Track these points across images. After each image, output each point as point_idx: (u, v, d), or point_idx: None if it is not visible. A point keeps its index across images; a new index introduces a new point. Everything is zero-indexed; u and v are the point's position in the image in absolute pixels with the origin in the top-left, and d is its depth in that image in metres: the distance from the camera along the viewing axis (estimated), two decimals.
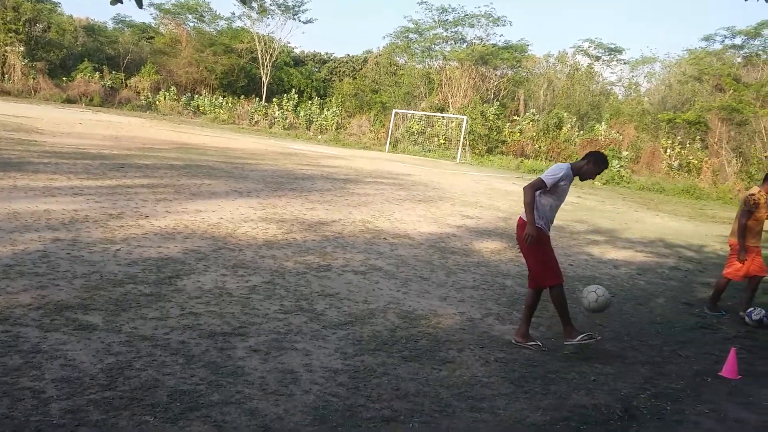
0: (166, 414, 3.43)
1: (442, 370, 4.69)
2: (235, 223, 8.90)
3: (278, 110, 40.73)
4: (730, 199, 23.43)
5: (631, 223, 14.27)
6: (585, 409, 4.33)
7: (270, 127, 39.22)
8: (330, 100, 42.59)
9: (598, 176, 20.44)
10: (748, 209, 6.98)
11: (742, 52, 34.99)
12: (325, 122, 38.80)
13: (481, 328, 5.84)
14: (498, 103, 36.02)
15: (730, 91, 28.35)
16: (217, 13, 49.44)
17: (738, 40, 34.86)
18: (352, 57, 53.96)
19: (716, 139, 26.87)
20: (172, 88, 43.92)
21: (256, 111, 41.10)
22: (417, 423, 3.78)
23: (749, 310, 6.99)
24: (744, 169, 24.92)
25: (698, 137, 28.15)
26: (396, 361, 4.72)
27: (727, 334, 6.54)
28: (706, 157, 27.03)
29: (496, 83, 39.05)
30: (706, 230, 14.78)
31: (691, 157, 27.44)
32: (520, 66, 40.61)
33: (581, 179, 5.51)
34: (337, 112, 39.33)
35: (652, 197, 22.35)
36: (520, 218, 5.52)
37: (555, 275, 5.44)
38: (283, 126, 39.41)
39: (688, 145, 28.00)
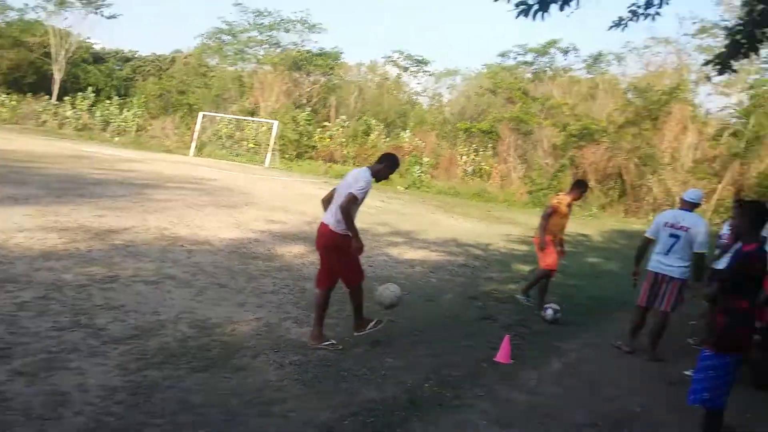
0: None
1: (233, 379, 4.61)
2: (7, 233, 7.96)
3: (71, 110, 37.36)
4: (514, 201, 25.82)
5: (428, 225, 15.12)
6: (373, 403, 4.51)
7: (60, 128, 35.86)
8: (131, 101, 39.95)
9: (401, 181, 21.13)
10: (551, 209, 7.83)
11: (531, 68, 38.80)
12: (124, 123, 36.29)
13: (278, 332, 5.84)
14: (309, 108, 36.32)
15: (519, 104, 31.27)
16: (7, 2, 43.96)
17: (529, 57, 38.66)
18: (159, 56, 50.99)
19: (505, 147, 29.42)
20: None
21: (44, 110, 37.32)
22: None
23: (545, 308, 7.64)
24: (527, 175, 27.58)
25: (490, 145, 30.62)
26: (183, 373, 4.55)
27: (505, 324, 7.17)
28: (495, 164, 29.51)
29: (308, 89, 39.29)
30: (493, 230, 16.13)
31: (483, 164, 29.77)
32: (332, 73, 41.24)
33: (377, 180, 5.73)
34: (139, 113, 37.01)
35: (449, 200, 23.91)
36: (324, 225, 5.61)
37: (361, 274, 5.79)
38: (76, 127, 36.16)
39: (481, 152, 30.35)
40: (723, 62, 8.40)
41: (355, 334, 5.77)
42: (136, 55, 52.18)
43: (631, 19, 8.45)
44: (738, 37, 8.18)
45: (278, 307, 6.66)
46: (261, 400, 4.33)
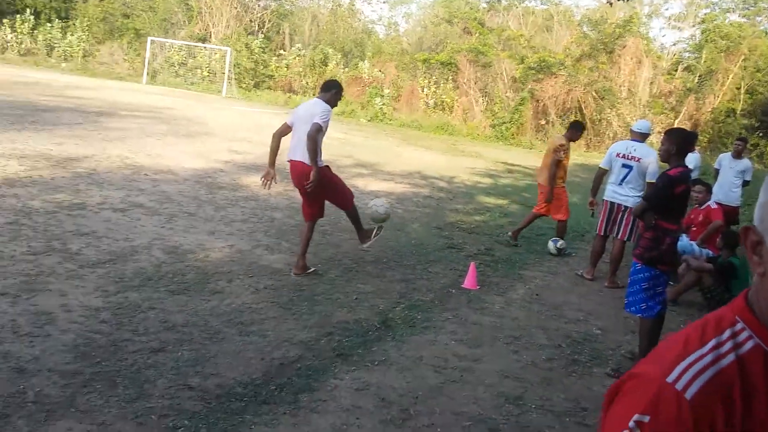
0: None
1: (212, 301, 4.72)
2: None
3: (11, 33, 35.43)
4: (477, 134, 25.98)
5: (392, 158, 15.18)
6: (347, 324, 4.69)
7: (1, 53, 34.13)
8: (74, 24, 38.04)
9: (362, 113, 20.93)
10: (558, 158, 7.58)
11: None
12: (69, 48, 34.67)
13: (251, 258, 5.94)
14: (263, 35, 35.30)
15: (476, 35, 30.94)
16: None
17: None
18: None
19: (466, 80, 29.29)
20: None
21: None
22: (186, 351, 3.80)
23: (554, 239, 7.81)
24: (489, 108, 27.62)
25: (450, 77, 30.46)
26: (163, 296, 4.64)
27: (470, 252, 7.40)
28: (457, 97, 29.44)
29: (260, 15, 38.05)
30: (457, 163, 16.30)
31: (444, 96, 29.65)
32: None
33: (331, 107, 5.77)
34: (83, 37, 35.32)
35: (412, 133, 23.92)
36: (297, 163, 5.58)
37: (350, 193, 6.04)
38: (19, 52, 34.50)
39: (442, 85, 30.20)
40: None
41: (363, 246, 6.31)
42: None
43: None
44: None
45: (249, 235, 6.73)
46: (240, 320, 4.46)
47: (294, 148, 5.64)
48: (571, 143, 7.86)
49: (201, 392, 3.41)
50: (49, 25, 37.30)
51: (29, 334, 3.65)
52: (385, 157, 15.06)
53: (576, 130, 7.93)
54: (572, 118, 26.03)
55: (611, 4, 10.65)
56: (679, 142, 4.55)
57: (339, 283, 5.65)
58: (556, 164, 7.62)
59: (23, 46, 35.13)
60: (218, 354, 3.86)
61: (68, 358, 3.46)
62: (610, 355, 4.85)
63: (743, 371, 0.86)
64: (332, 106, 5.75)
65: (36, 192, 6.85)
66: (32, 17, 37.28)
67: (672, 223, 4.50)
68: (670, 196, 4.46)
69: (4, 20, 37.14)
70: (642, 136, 6.87)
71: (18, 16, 37.05)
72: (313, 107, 5.62)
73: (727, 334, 0.90)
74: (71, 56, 34.39)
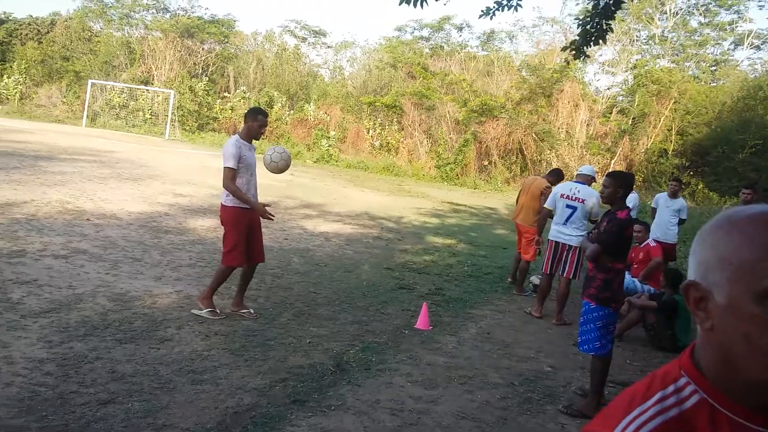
0: None
1: (161, 349, 4.60)
2: None
3: None
4: (423, 175, 26.35)
5: (339, 199, 15.23)
6: (301, 369, 4.63)
7: None
8: (11, 66, 37.08)
9: (309, 155, 20.84)
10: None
11: (428, 43, 39.36)
12: (5, 91, 33.76)
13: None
14: (207, 78, 35.17)
15: (420, 79, 31.64)
16: None
17: (425, 32, 39.25)
18: (37, 19, 47.47)
19: (410, 122, 29.81)
20: None
21: None
22: (136, 402, 3.67)
23: (538, 275, 7.77)
24: (433, 149, 28.12)
25: (395, 119, 30.95)
26: (110, 345, 4.49)
27: (421, 292, 7.45)
28: (402, 138, 29.89)
29: (204, 58, 37.94)
30: (404, 203, 16.46)
31: (390, 138, 30.07)
32: (228, 42, 39.98)
33: (256, 139, 5.62)
34: (21, 80, 34.48)
35: (358, 174, 24.06)
36: (223, 204, 5.55)
37: (238, 258, 5.59)
38: None
39: (387, 127, 30.62)
40: (577, 49, 9.03)
41: (194, 310, 5.51)
42: (10, 18, 48.23)
43: (497, 9, 8.81)
44: (588, 27, 8.84)
45: (197, 280, 6.60)
46: (191, 368, 4.35)
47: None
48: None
49: None
50: None
51: None
52: (332, 198, 15.09)
53: (557, 176, 8.17)
54: (514, 159, 26.83)
55: (568, 63, 11.37)
56: (624, 184, 4.75)
57: (292, 326, 5.59)
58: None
59: None
60: (170, 404, 3.75)
61: (12, 412, 3.29)
62: (561, 391, 4.92)
63: (687, 425, 0.87)
64: (258, 137, 5.56)
65: None
66: None
67: (620, 263, 4.67)
68: (621, 238, 4.63)
69: None
70: (588, 179, 7.14)
71: None
72: (224, 148, 5.47)
73: (671, 388, 0.91)
74: (7, 99, 33.47)
